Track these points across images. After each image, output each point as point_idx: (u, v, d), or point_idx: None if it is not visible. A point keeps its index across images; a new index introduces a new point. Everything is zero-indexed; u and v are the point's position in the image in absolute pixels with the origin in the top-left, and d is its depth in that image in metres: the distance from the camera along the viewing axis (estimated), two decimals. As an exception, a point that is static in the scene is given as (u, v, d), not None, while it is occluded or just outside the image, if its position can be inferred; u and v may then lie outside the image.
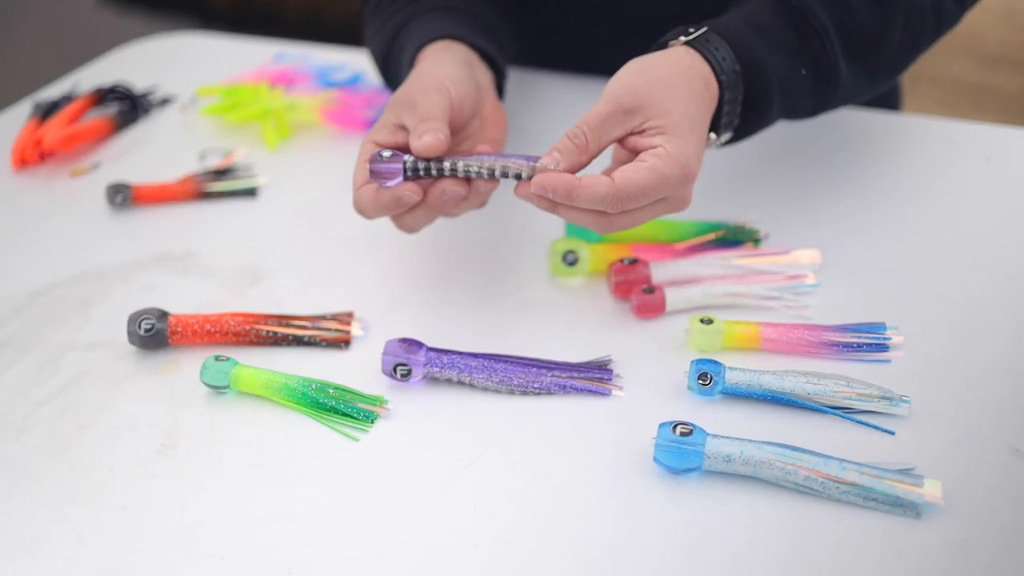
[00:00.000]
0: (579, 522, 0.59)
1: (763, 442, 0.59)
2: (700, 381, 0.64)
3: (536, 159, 0.66)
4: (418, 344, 0.67)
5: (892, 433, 0.62)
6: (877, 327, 0.69)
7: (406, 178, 0.68)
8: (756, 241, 0.77)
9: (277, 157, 0.93)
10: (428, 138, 0.67)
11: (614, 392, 0.66)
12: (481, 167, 0.67)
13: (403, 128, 0.71)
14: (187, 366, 0.70)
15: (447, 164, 0.68)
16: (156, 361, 0.71)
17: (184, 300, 0.76)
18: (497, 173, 0.67)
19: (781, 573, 0.55)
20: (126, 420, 0.66)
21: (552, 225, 0.80)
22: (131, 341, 0.71)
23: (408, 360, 0.66)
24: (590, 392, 0.66)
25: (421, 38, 0.79)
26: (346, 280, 0.78)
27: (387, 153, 0.68)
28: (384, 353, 0.67)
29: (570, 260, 0.75)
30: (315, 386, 0.66)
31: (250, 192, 0.88)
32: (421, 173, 0.68)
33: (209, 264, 0.80)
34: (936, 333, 0.69)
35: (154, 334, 0.70)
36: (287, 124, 0.95)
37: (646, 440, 0.62)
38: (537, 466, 0.62)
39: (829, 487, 0.58)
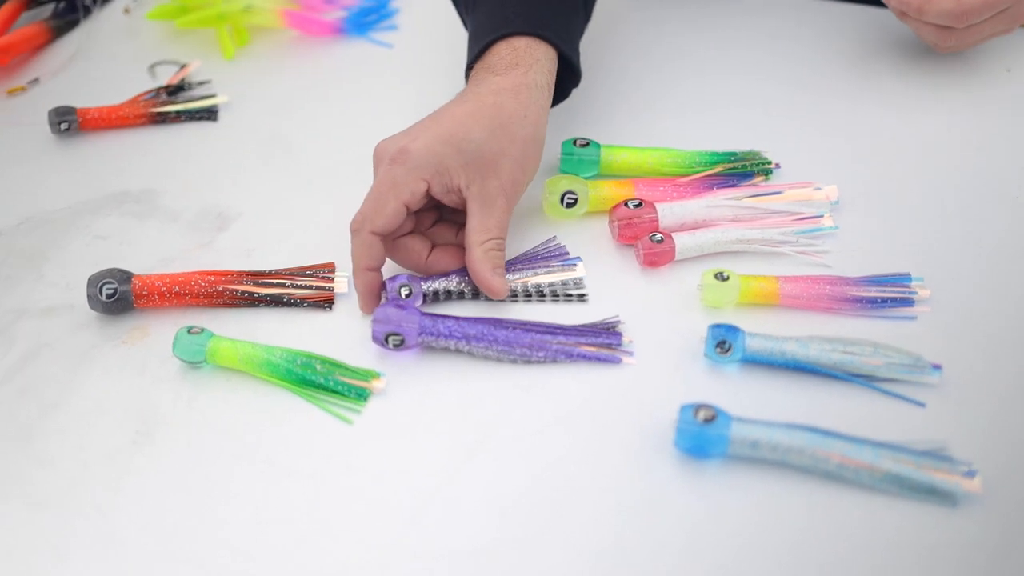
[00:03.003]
0: (594, 511, 0.55)
1: (791, 426, 0.55)
2: (718, 349, 0.60)
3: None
4: (411, 309, 0.61)
5: (922, 405, 0.58)
6: (901, 279, 0.64)
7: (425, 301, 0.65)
8: (767, 172, 0.71)
9: (236, 69, 0.84)
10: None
11: (624, 360, 0.61)
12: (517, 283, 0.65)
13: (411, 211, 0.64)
14: (156, 333, 0.64)
15: (467, 289, 0.65)
16: (121, 328, 0.65)
17: (146, 251, 0.69)
18: (533, 295, 0.65)
19: (809, 567, 0.53)
20: (95, 403, 0.61)
21: (546, 165, 0.73)
22: (92, 307, 0.64)
23: (401, 329, 0.61)
24: (599, 360, 0.61)
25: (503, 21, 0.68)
26: (324, 222, 0.71)
27: (405, 291, 0.64)
28: (375, 320, 0.61)
29: (569, 201, 0.69)
30: (300, 361, 0.61)
31: (209, 114, 0.80)
32: (441, 298, 0.65)
33: (169, 205, 0.73)
34: (964, 282, 0.65)
35: (117, 299, 0.64)
36: (244, 30, 0.86)
37: (662, 416, 0.58)
38: (547, 448, 0.58)
39: (863, 475, 0.54)
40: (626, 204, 0.67)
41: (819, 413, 0.58)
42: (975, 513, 0.54)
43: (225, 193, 0.73)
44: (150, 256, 0.69)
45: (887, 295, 0.63)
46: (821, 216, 0.68)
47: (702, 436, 0.55)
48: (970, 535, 0.53)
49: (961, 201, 0.71)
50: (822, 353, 0.59)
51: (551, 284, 0.66)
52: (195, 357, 0.61)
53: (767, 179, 0.71)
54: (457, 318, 0.62)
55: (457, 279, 0.65)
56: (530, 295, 0.65)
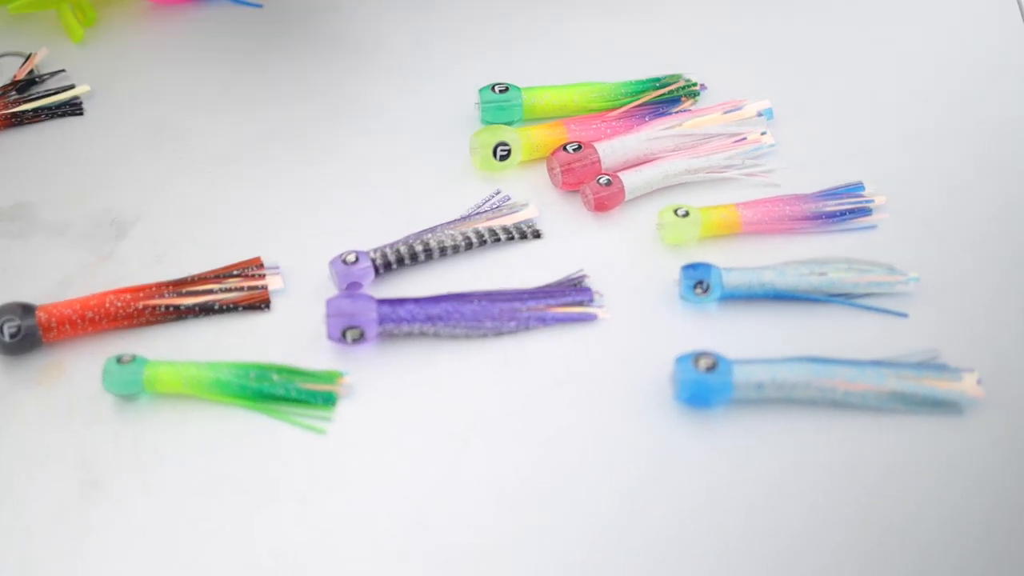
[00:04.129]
0: (607, 479, 0.52)
1: (791, 359, 0.53)
2: (696, 290, 0.57)
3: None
4: (366, 298, 0.56)
5: (905, 315, 0.58)
6: (854, 188, 0.63)
7: (377, 275, 0.59)
8: (695, 95, 0.69)
9: (90, 53, 0.75)
10: None
11: (599, 316, 0.58)
12: (463, 238, 0.61)
13: None
14: (75, 368, 0.57)
15: (419, 247, 0.60)
16: (31, 369, 0.57)
17: (37, 275, 0.61)
18: (488, 239, 0.61)
19: (835, 498, 0.51)
20: (24, 460, 0.53)
21: (462, 119, 0.68)
22: (-8, 349, 0.56)
23: (358, 321, 0.55)
24: (573, 320, 0.58)
25: None
26: (235, 213, 0.64)
27: (351, 257, 0.58)
28: (328, 315, 0.55)
29: (502, 153, 0.64)
30: (254, 374, 0.55)
31: (73, 108, 0.70)
32: (394, 266, 0.59)
33: (51, 218, 0.64)
34: (915, 183, 0.64)
35: (23, 337, 0.56)
36: (89, 6, 0.76)
37: (652, 369, 0.55)
38: (541, 423, 0.54)
39: (869, 398, 0.53)
40: (565, 148, 0.63)
41: (806, 340, 0.56)
42: (981, 417, 0.54)
43: (114, 196, 0.65)
44: (44, 280, 0.61)
45: (845, 207, 0.62)
46: (762, 135, 0.66)
47: (706, 386, 0.53)
48: (980, 440, 0.53)
49: (897, 101, 0.70)
50: (800, 278, 0.58)
51: (504, 226, 0.61)
52: (130, 389, 0.54)
53: (695, 102, 0.68)
54: (416, 300, 0.57)
55: (406, 239, 0.60)
56: (484, 240, 0.61)
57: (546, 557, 0.50)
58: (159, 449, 0.53)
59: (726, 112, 0.67)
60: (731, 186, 0.64)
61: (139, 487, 0.52)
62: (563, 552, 0.50)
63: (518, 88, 0.67)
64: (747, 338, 0.57)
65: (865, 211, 0.62)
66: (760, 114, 0.67)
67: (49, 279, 0.61)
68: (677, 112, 0.67)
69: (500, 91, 0.67)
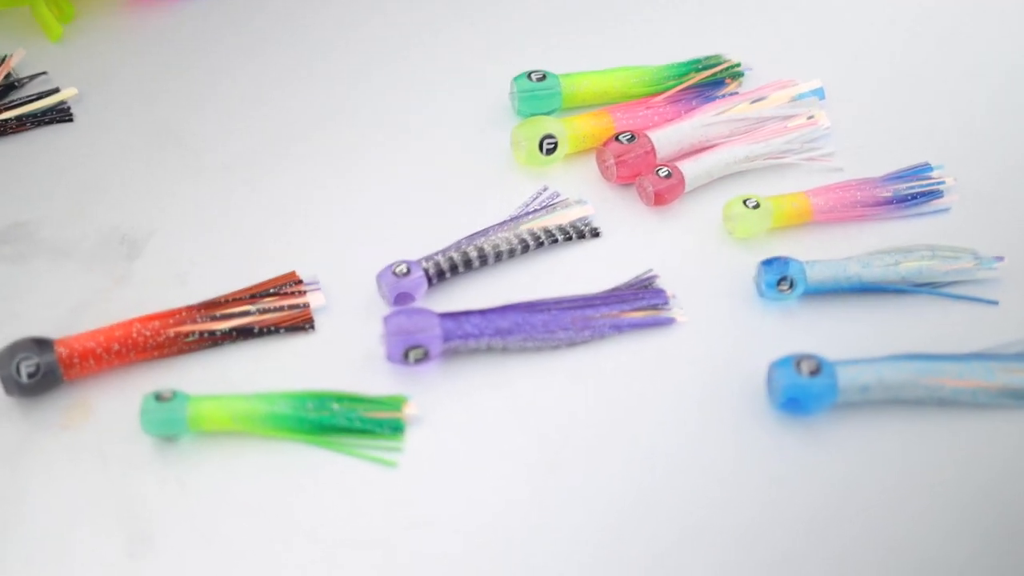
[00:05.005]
0: (712, 498, 0.48)
1: (895, 358, 0.50)
2: (780, 287, 0.53)
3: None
4: (427, 313, 0.51)
5: (996, 303, 0.55)
6: (922, 170, 0.59)
7: (430, 285, 0.54)
8: (738, 76, 0.65)
9: (71, 52, 0.67)
10: None
11: (678, 319, 0.54)
12: (518, 240, 0.56)
13: None
14: (103, 407, 0.50)
15: (473, 252, 0.55)
16: (53, 410, 0.50)
17: (46, 303, 0.54)
18: (544, 240, 0.56)
19: (953, 500, 0.48)
20: (57, 515, 0.47)
21: (494, 111, 0.64)
22: (9, 391, 0.50)
23: (421, 340, 0.50)
24: (650, 325, 0.53)
25: None
26: (259, 222, 0.58)
27: (402, 268, 0.53)
28: (388, 334, 0.50)
29: (548, 147, 0.59)
30: (311, 404, 0.49)
31: (61, 114, 0.63)
32: (448, 275, 0.54)
33: (52, 238, 0.58)
34: (981, 159, 0.61)
35: (42, 376, 0.49)
36: (66, 1, 0.69)
37: (740, 375, 0.51)
38: (630, 439, 0.49)
39: (979, 395, 0.50)
40: (617, 139, 0.59)
41: (895, 334, 0.53)
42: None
43: (120, 210, 0.59)
44: (54, 309, 0.54)
45: (916, 190, 0.58)
46: (808, 119, 0.62)
47: (809, 391, 0.49)
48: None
49: (954, 75, 0.66)
50: (886, 269, 0.54)
51: (560, 226, 0.57)
52: (173, 429, 0.48)
53: (740, 84, 0.64)
54: (482, 312, 0.52)
55: (457, 245, 0.55)
56: (541, 241, 0.56)
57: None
58: (211, 495, 0.48)
59: (776, 93, 0.63)
60: (790, 172, 0.61)
61: (196, 540, 0.46)
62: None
63: (555, 75, 0.62)
64: (834, 335, 0.53)
65: (936, 193, 0.59)
66: (810, 95, 0.63)
67: (59, 307, 0.54)
68: (724, 95, 0.63)
69: (537, 79, 0.62)
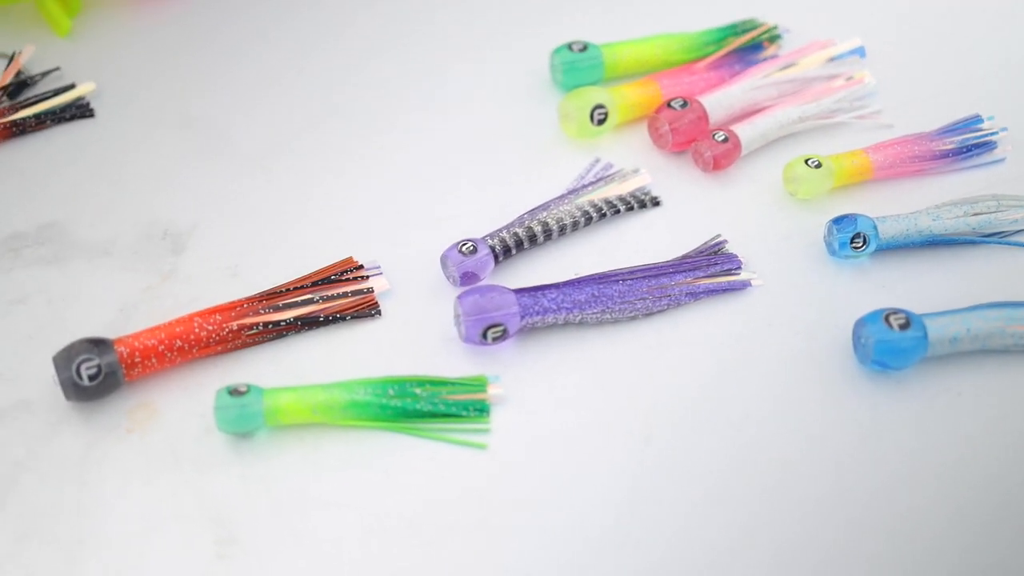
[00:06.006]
0: (810, 461, 0.46)
1: (980, 307, 0.49)
2: (853, 244, 0.52)
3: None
4: (501, 290, 0.49)
5: (1066, 248, 0.54)
6: (973, 121, 0.59)
7: (496, 263, 0.53)
8: (776, 38, 0.64)
9: (84, 46, 0.64)
10: None
11: (753, 283, 0.53)
12: (581, 212, 0.55)
13: None
14: (167, 407, 0.48)
15: (537, 227, 0.53)
16: (116, 414, 0.48)
17: (93, 303, 0.52)
18: (607, 211, 0.55)
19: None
20: (136, 523, 0.44)
21: (533, 85, 0.62)
22: (68, 396, 0.47)
23: (499, 317, 0.49)
24: (727, 291, 0.52)
25: None
26: (305, 209, 0.56)
27: (468, 247, 0.51)
28: (464, 314, 0.48)
29: (599, 117, 0.58)
30: (393, 390, 0.47)
31: (81, 110, 0.61)
32: (513, 252, 0.53)
33: (89, 237, 0.55)
34: (1028, 111, 0.61)
35: (104, 378, 0.47)
36: (72, -8, 0.66)
37: (823, 334, 0.50)
38: (722, 408, 0.48)
39: (1068, 339, 0.49)
40: (670, 105, 0.57)
41: (972, 285, 0.52)
42: None
43: (157, 204, 0.56)
44: (101, 309, 0.51)
45: (970, 142, 0.58)
46: (847, 79, 0.61)
47: (900, 346, 0.48)
48: None
49: (993, 24, 0.66)
50: (957, 220, 0.53)
51: (620, 196, 0.55)
52: (250, 425, 0.46)
53: (779, 47, 0.64)
54: (556, 286, 0.50)
55: (520, 220, 0.53)
56: (604, 213, 0.55)
57: (770, 557, 0.44)
58: (296, 490, 0.45)
59: (817, 54, 0.62)
60: (839, 132, 0.60)
61: (286, 538, 0.44)
62: (789, 549, 0.44)
63: (597, 45, 0.61)
64: (911, 290, 0.52)
65: (990, 145, 0.58)
66: (851, 54, 0.63)
67: (106, 308, 0.52)
68: (765, 58, 0.62)
69: (579, 50, 0.60)
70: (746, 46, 0.62)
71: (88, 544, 0.43)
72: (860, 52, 0.62)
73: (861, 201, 0.56)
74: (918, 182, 0.57)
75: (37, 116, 0.60)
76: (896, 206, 0.55)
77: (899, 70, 0.63)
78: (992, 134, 0.58)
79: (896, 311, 0.48)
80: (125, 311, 0.51)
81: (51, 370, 0.47)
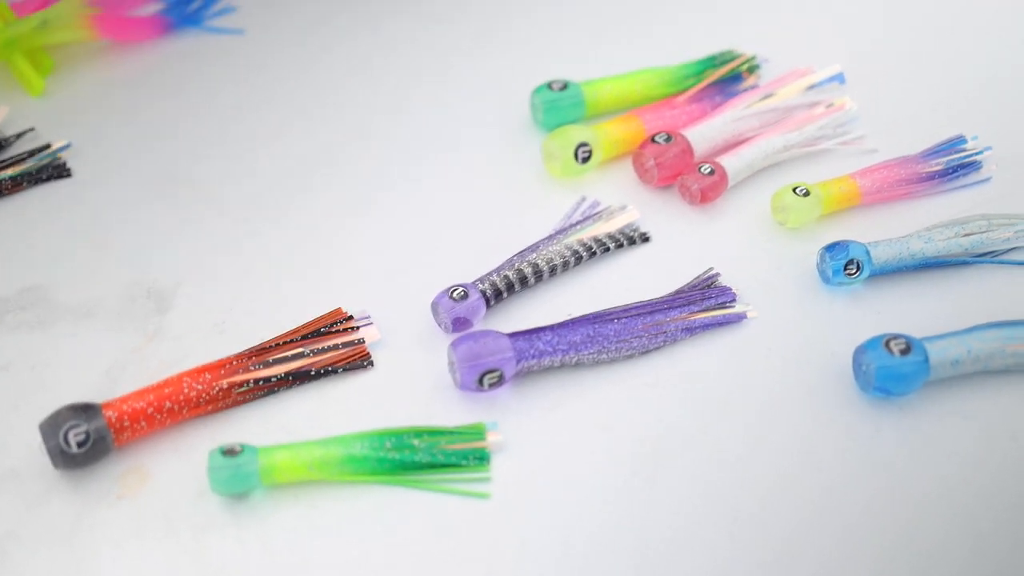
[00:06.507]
0: (815, 492, 0.46)
1: (978, 328, 0.49)
2: (847, 272, 0.52)
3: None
4: (495, 335, 0.48)
5: (1058, 265, 0.54)
6: (956, 142, 0.59)
7: (488, 307, 0.52)
8: (754, 69, 0.64)
9: (57, 105, 0.64)
10: None
11: (749, 315, 0.52)
12: (571, 252, 0.54)
13: None
14: (159, 470, 0.47)
15: (528, 269, 0.53)
16: (106, 480, 0.46)
17: (78, 367, 0.51)
18: (596, 250, 0.55)
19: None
20: (133, 593, 0.43)
21: (512, 125, 0.62)
22: (57, 464, 0.46)
23: (496, 364, 0.48)
24: (722, 324, 0.52)
25: None
26: (289, 263, 0.55)
27: (458, 293, 0.51)
28: (459, 361, 0.48)
29: (584, 155, 0.58)
30: (390, 442, 0.46)
31: (58, 170, 0.60)
32: (504, 295, 0.52)
33: (71, 300, 0.54)
34: (1012, 127, 0.61)
35: (93, 444, 0.46)
36: (44, 53, 0.65)
37: (820, 363, 0.50)
38: (724, 442, 0.47)
39: (1067, 358, 0.49)
40: (654, 140, 0.57)
41: (966, 306, 0.52)
42: None
43: (139, 263, 0.55)
44: (87, 373, 0.50)
45: (955, 163, 0.58)
46: (827, 107, 0.61)
47: (902, 371, 0.47)
48: None
49: (969, 46, 0.67)
50: (948, 242, 0.53)
51: (608, 234, 0.55)
52: (244, 485, 0.45)
53: (759, 76, 0.64)
54: (551, 328, 0.49)
55: (510, 263, 0.53)
56: (594, 252, 0.54)
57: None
58: (296, 550, 0.44)
59: (797, 82, 0.62)
60: (823, 159, 0.60)
61: (289, 600, 0.43)
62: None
63: (577, 83, 0.61)
64: (906, 314, 0.52)
65: (976, 164, 0.58)
66: (830, 81, 0.63)
67: (92, 371, 0.50)
68: (745, 89, 0.62)
69: (559, 88, 0.60)
70: (726, 77, 0.63)
71: (82, 618, 0.42)
72: (839, 79, 0.63)
73: (850, 227, 0.56)
74: (906, 205, 0.57)
75: (13, 178, 0.59)
76: (886, 230, 0.55)
77: (879, 94, 0.63)
78: (977, 154, 0.58)
79: (896, 336, 0.48)
80: (111, 374, 0.50)
81: (38, 438, 0.46)
